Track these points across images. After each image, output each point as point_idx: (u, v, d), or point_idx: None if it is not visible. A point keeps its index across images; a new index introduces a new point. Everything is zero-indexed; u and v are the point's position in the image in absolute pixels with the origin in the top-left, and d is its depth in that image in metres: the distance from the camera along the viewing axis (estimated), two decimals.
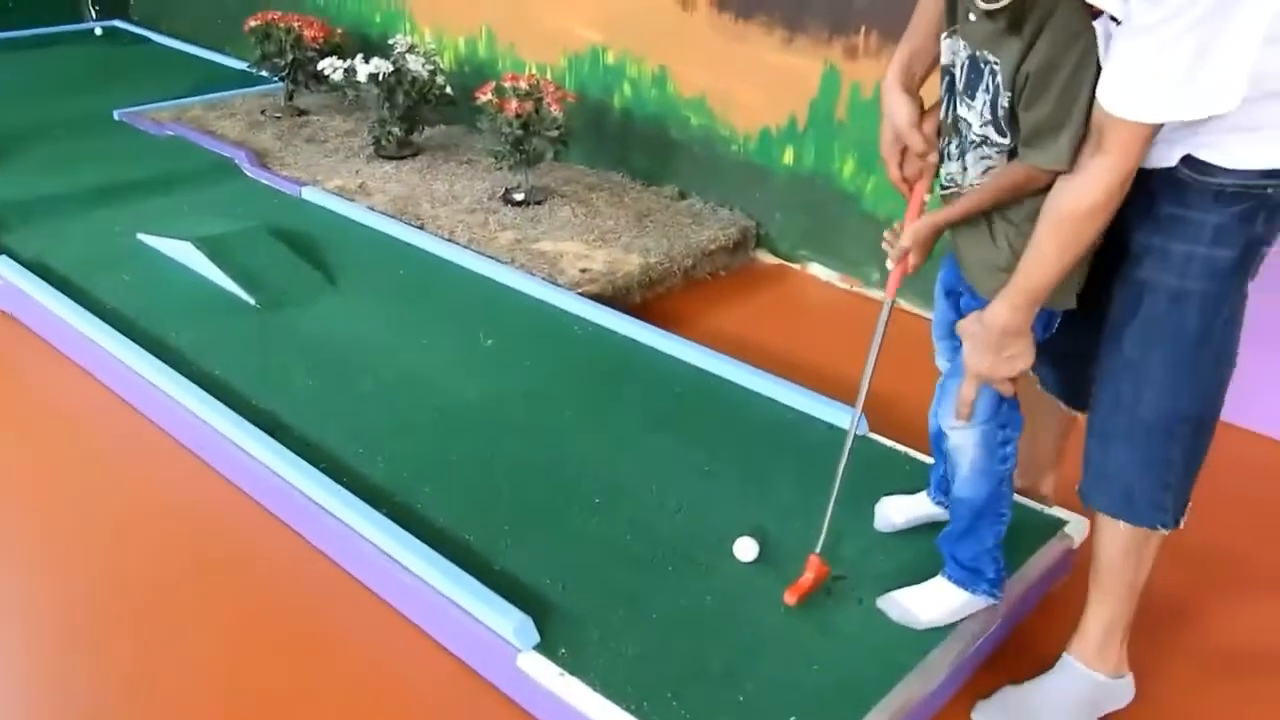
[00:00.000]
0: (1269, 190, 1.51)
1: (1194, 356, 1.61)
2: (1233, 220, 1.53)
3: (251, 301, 3.08)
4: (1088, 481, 1.77)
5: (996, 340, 1.62)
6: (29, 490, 2.50)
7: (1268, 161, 1.49)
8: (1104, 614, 1.84)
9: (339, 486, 2.22)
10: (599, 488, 2.32)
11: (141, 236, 3.43)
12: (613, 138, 4.15)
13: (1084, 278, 1.69)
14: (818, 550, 1.99)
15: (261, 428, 2.43)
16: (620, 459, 2.43)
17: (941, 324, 1.96)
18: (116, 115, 4.68)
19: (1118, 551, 1.78)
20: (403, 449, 2.45)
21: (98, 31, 6.26)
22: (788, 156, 3.62)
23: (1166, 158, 1.54)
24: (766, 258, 3.81)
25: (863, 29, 3.27)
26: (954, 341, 1.80)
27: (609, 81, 4.09)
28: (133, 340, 2.79)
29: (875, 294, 3.51)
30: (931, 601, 1.94)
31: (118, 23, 6.39)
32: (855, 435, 1.97)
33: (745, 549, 2.09)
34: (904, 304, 2.88)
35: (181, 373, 2.65)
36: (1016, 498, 2.20)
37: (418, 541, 2.05)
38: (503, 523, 2.21)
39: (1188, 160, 1.52)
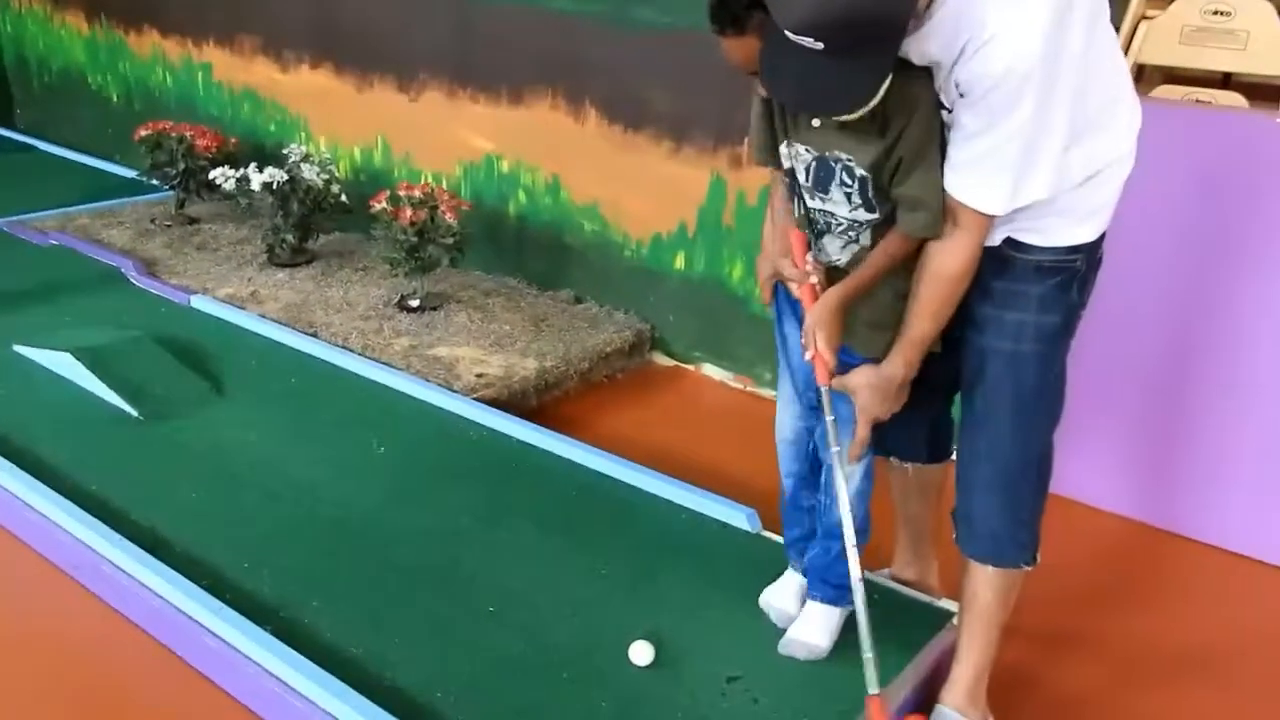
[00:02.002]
0: (1077, 263, 1.78)
1: (1033, 409, 1.87)
2: (1053, 290, 1.79)
3: (133, 413, 3.00)
4: (959, 532, 1.99)
5: (896, 389, 1.84)
6: None
7: (1074, 239, 1.76)
8: (974, 660, 2.02)
9: (221, 604, 2.15)
10: (492, 595, 2.29)
11: (17, 348, 3.32)
12: (509, 244, 4.20)
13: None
14: (878, 692, 1.87)
15: (141, 545, 2.35)
16: (514, 565, 2.41)
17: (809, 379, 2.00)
18: None
19: (991, 596, 1.97)
20: (291, 561, 2.38)
21: None
22: (679, 261, 3.72)
23: (993, 239, 1.77)
24: (662, 359, 3.87)
25: (745, 139, 3.41)
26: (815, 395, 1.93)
27: (504, 189, 4.16)
28: (5, 457, 2.68)
29: (767, 392, 3.59)
30: (822, 628, 2.10)
31: (2, 131, 6.27)
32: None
33: (641, 653, 2.07)
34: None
35: (55, 489, 2.55)
36: (906, 590, 2.29)
37: (303, 659, 1.99)
38: (393, 635, 2.15)
39: (1009, 241, 1.78)
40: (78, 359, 3.13)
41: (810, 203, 1.87)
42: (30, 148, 6.03)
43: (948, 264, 1.72)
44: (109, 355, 3.18)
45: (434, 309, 3.84)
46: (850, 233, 1.85)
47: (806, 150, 1.79)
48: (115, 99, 5.78)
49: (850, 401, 1.88)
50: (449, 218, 3.71)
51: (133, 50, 5.57)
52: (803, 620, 2.12)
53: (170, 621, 2.20)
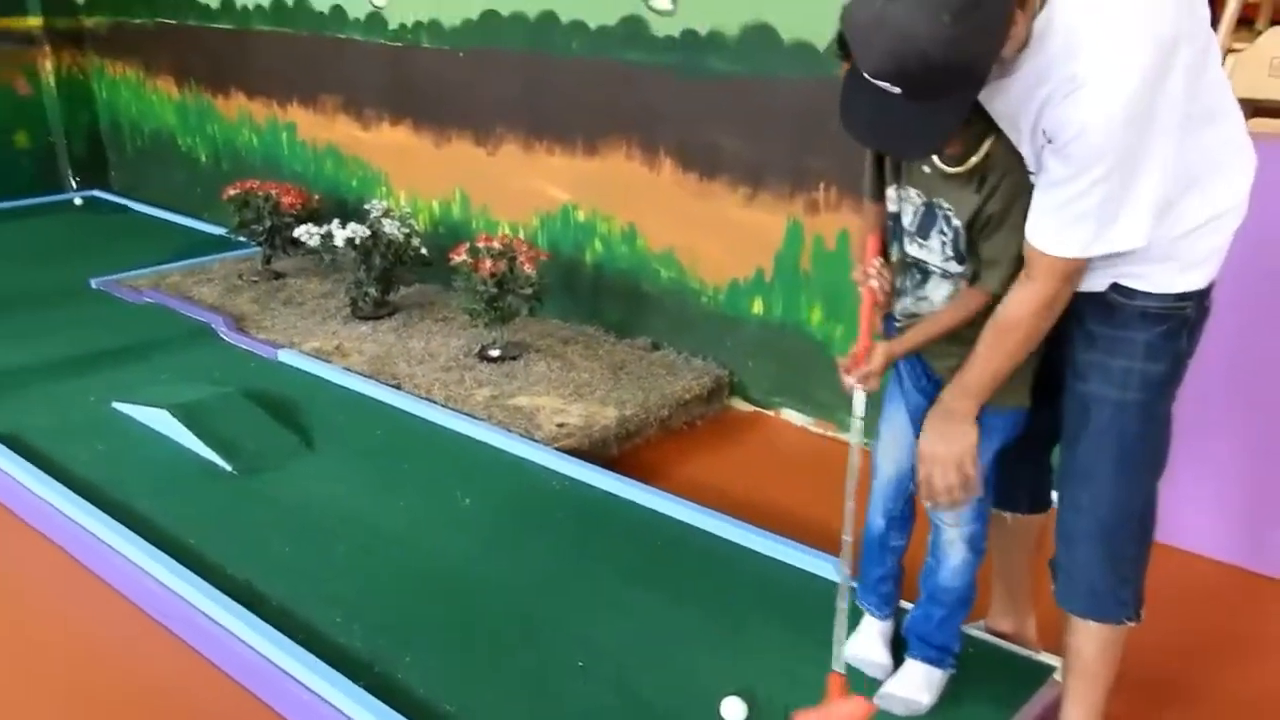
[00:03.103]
0: (1186, 310, 1.73)
1: (1137, 459, 1.81)
2: (1159, 338, 1.74)
3: (228, 468, 3.07)
4: (1058, 586, 1.94)
5: (953, 428, 1.83)
6: None
7: (1182, 286, 1.71)
8: (1084, 716, 1.96)
9: (316, 659, 2.17)
10: (581, 649, 2.29)
11: (116, 405, 3.43)
12: (585, 292, 4.24)
13: (1030, 383, 1.89)
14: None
15: (237, 599, 2.39)
16: (602, 618, 2.40)
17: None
18: (93, 284, 4.74)
19: (1094, 653, 1.92)
20: (382, 615, 2.41)
21: (77, 201, 6.40)
22: (757, 306, 3.71)
23: (1097, 284, 1.73)
24: (741, 405, 3.85)
25: (821, 185, 3.41)
26: None
27: (580, 239, 4.21)
28: (104, 511, 2.77)
29: (849, 438, 3.54)
30: (922, 685, 2.08)
31: (97, 192, 6.54)
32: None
33: (733, 709, 2.05)
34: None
35: (154, 543, 2.62)
36: (1004, 644, 2.24)
37: (398, 716, 2.00)
38: (485, 690, 2.16)
39: (1115, 286, 1.73)
40: (174, 415, 3.22)
41: (908, 247, 1.89)
42: (124, 208, 6.28)
43: (1011, 311, 1.71)
44: (203, 411, 3.27)
45: (513, 358, 3.88)
46: (948, 279, 1.85)
47: (917, 195, 1.82)
48: (204, 159, 6.00)
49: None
50: (527, 268, 3.76)
51: (220, 112, 5.78)
52: (902, 676, 2.10)
53: (266, 676, 2.23)
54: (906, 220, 1.86)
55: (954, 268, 1.83)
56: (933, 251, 1.84)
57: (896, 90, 1.49)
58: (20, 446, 3.15)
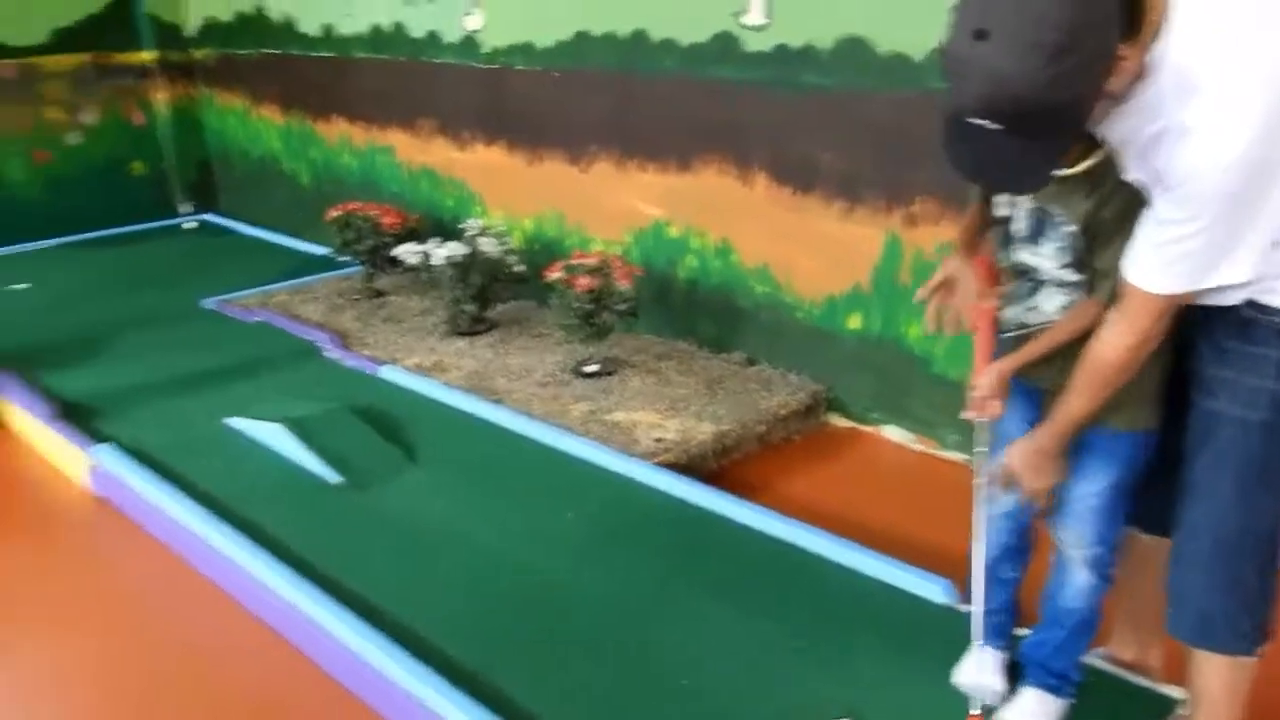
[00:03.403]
0: None
1: (1261, 482, 1.74)
2: None
3: (336, 480, 3.16)
4: (1169, 612, 1.87)
5: (1049, 462, 1.83)
6: (114, 672, 2.53)
7: None
8: None
9: (425, 668, 2.23)
10: (685, 667, 2.30)
11: (230, 421, 3.56)
12: (679, 307, 4.26)
13: (1159, 403, 1.84)
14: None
15: (350, 609, 2.46)
16: (705, 635, 2.41)
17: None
18: (205, 304, 4.93)
19: (1216, 686, 1.85)
20: (485, 628, 2.46)
21: (188, 225, 6.67)
22: (854, 321, 3.69)
23: (1232, 298, 1.67)
24: (839, 421, 3.82)
25: (919, 198, 3.37)
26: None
27: (673, 254, 4.23)
28: (223, 522, 2.88)
29: (951, 455, 3.50)
30: (1039, 714, 2.03)
31: (208, 217, 6.81)
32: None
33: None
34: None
35: (270, 553, 2.71)
36: (1127, 675, 2.17)
37: None
38: (593, 708, 2.18)
39: (1251, 302, 1.67)
40: (288, 430, 3.33)
41: (1020, 254, 1.85)
42: (231, 230, 6.52)
43: (1105, 353, 1.69)
44: (313, 426, 3.38)
45: (609, 374, 3.92)
46: (1061, 287, 1.81)
47: (1030, 201, 1.79)
48: (306, 182, 6.19)
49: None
50: (622, 284, 3.80)
51: (322, 137, 5.96)
52: (1019, 704, 2.05)
53: (375, 683, 2.29)
54: (1017, 226, 1.83)
55: (1069, 276, 1.79)
56: (1045, 258, 1.80)
57: (994, 126, 1.47)
58: (142, 460, 3.29)
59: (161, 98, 6.67)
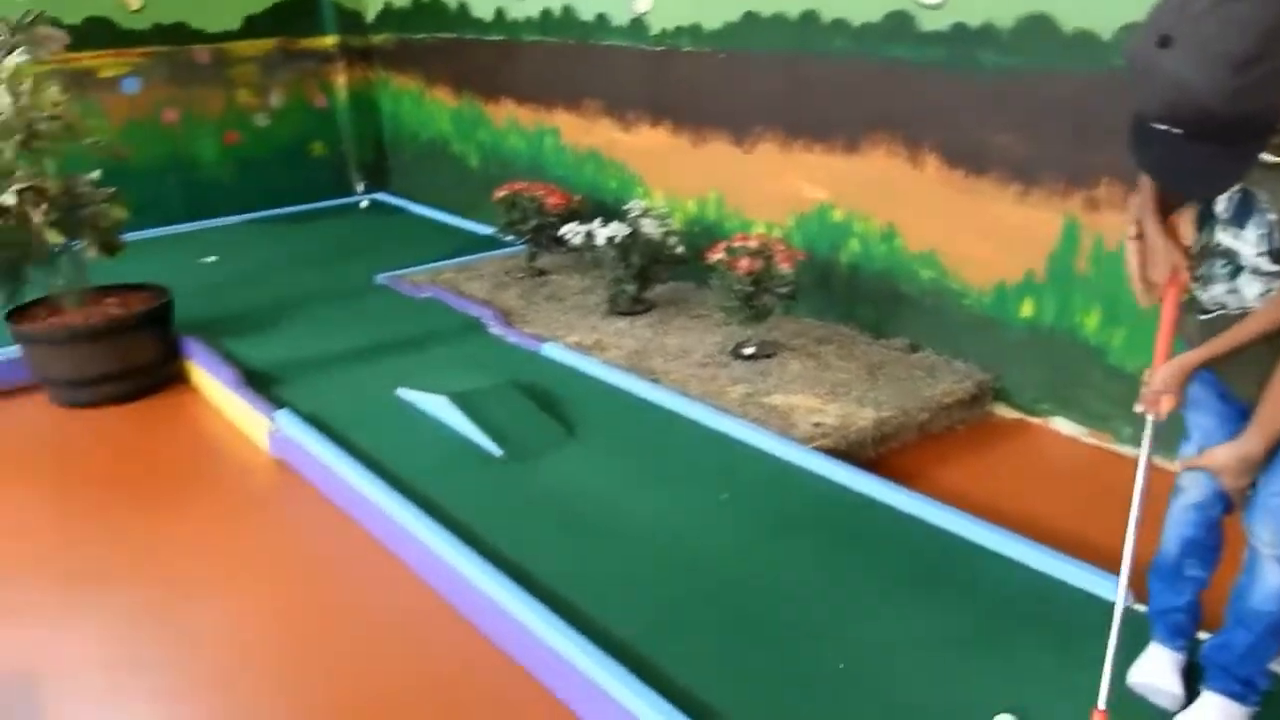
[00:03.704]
0: None
1: None
2: None
3: (499, 453, 3.25)
4: None
5: (1249, 467, 1.77)
6: (285, 626, 2.67)
7: None
8: None
9: (587, 641, 2.26)
10: (842, 652, 2.27)
11: (400, 391, 3.71)
12: (840, 292, 4.19)
13: None
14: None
15: (509, 577, 2.52)
16: (863, 622, 2.37)
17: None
18: (378, 279, 5.14)
19: None
20: (643, 604, 2.48)
21: (363, 204, 6.97)
22: (1026, 309, 3.54)
23: None
24: (1005, 411, 3.69)
25: (1103, 181, 3.21)
26: None
27: (836, 238, 4.16)
28: (392, 488, 2.99)
29: (1125, 450, 3.33)
30: (1214, 717, 1.93)
31: (380, 196, 7.09)
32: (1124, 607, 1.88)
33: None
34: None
35: (436, 521, 2.80)
36: None
37: (664, 701, 2.05)
38: (747, 687, 2.18)
39: None
40: (453, 403, 3.44)
41: (1220, 235, 1.75)
42: (402, 210, 6.78)
43: None
44: (477, 399, 3.48)
45: (767, 356, 3.89)
46: (1261, 275, 1.71)
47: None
48: (474, 164, 6.37)
49: None
50: (784, 267, 3.76)
51: (490, 119, 6.11)
52: (1198, 709, 1.95)
53: (536, 651, 2.35)
54: (1220, 206, 1.73)
55: (1266, 265, 1.68)
56: (1247, 243, 1.70)
57: (1178, 132, 1.44)
58: (318, 426, 3.45)
59: (341, 81, 6.98)
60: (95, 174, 4.05)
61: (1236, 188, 1.68)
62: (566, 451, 3.29)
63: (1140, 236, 1.83)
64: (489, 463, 3.24)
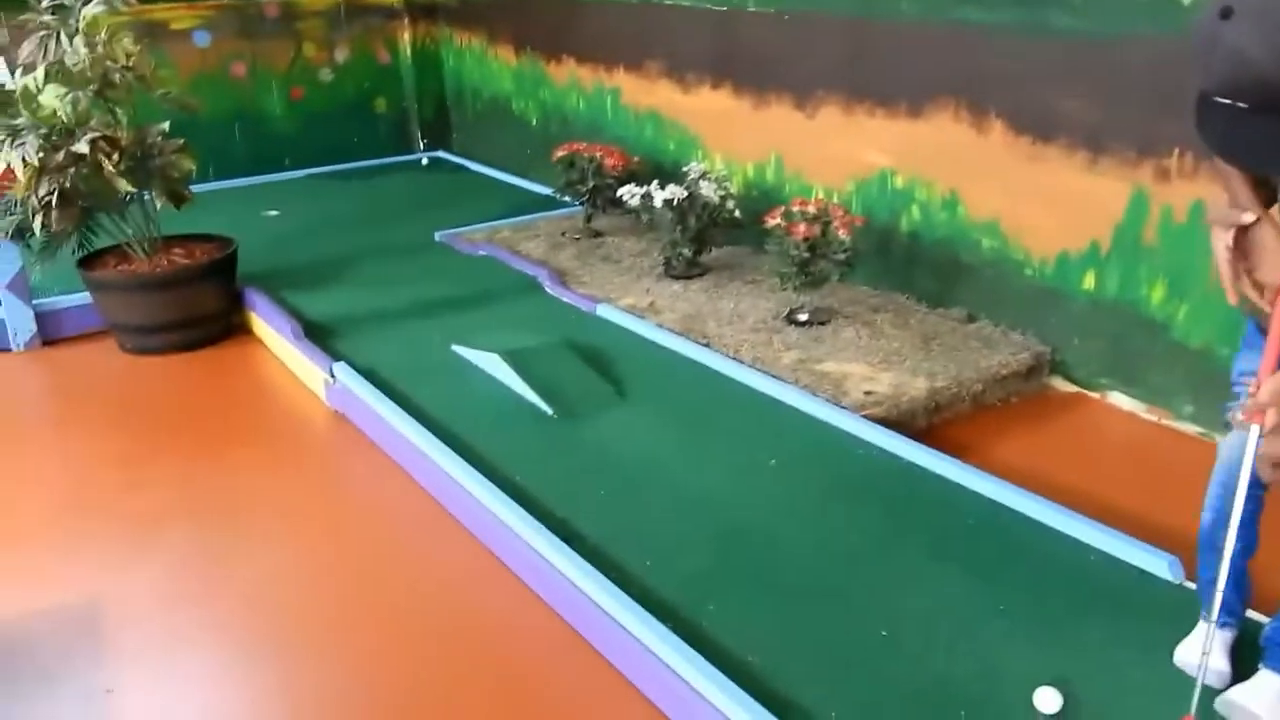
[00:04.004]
0: None
1: None
2: None
3: (549, 411, 3.28)
4: None
5: None
6: (336, 572, 2.73)
7: None
8: None
9: (629, 599, 2.29)
10: (885, 619, 2.26)
11: (455, 348, 3.75)
12: (898, 260, 4.14)
13: None
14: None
15: (556, 534, 2.56)
16: (907, 590, 2.37)
17: None
18: (437, 236, 5.18)
19: None
20: (687, 564, 2.49)
21: (424, 161, 7.01)
22: (1088, 281, 3.47)
23: None
24: (1062, 385, 3.63)
25: (1176, 151, 3.12)
26: None
27: (896, 205, 4.10)
28: (445, 443, 3.04)
29: (1185, 427, 3.26)
30: (1273, 701, 1.91)
31: (441, 154, 7.14)
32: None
33: (1047, 700, 1.96)
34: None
35: (487, 476, 2.84)
36: None
37: (705, 662, 2.07)
38: (787, 648, 2.19)
39: None
40: (505, 360, 3.47)
41: None
42: (463, 168, 6.82)
43: None
44: (530, 357, 3.51)
45: (822, 324, 3.86)
46: None
47: None
48: (534, 123, 6.37)
49: None
50: (842, 233, 3.72)
51: (551, 78, 6.10)
52: (1252, 685, 1.93)
53: (580, 608, 2.38)
54: None
55: None
56: None
57: (1243, 105, 1.41)
58: (376, 380, 3.51)
59: (406, 38, 7.01)
60: (165, 125, 4.12)
61: None
62: (617, 412, 3.31)
63: (1240, 237, 1.74)
64: (540, 420, 3.27)
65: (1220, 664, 2.02)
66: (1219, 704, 1.94)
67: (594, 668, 2.31)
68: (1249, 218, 1.72)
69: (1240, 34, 1.36)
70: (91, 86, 3.88)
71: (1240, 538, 1.94)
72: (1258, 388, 1.70)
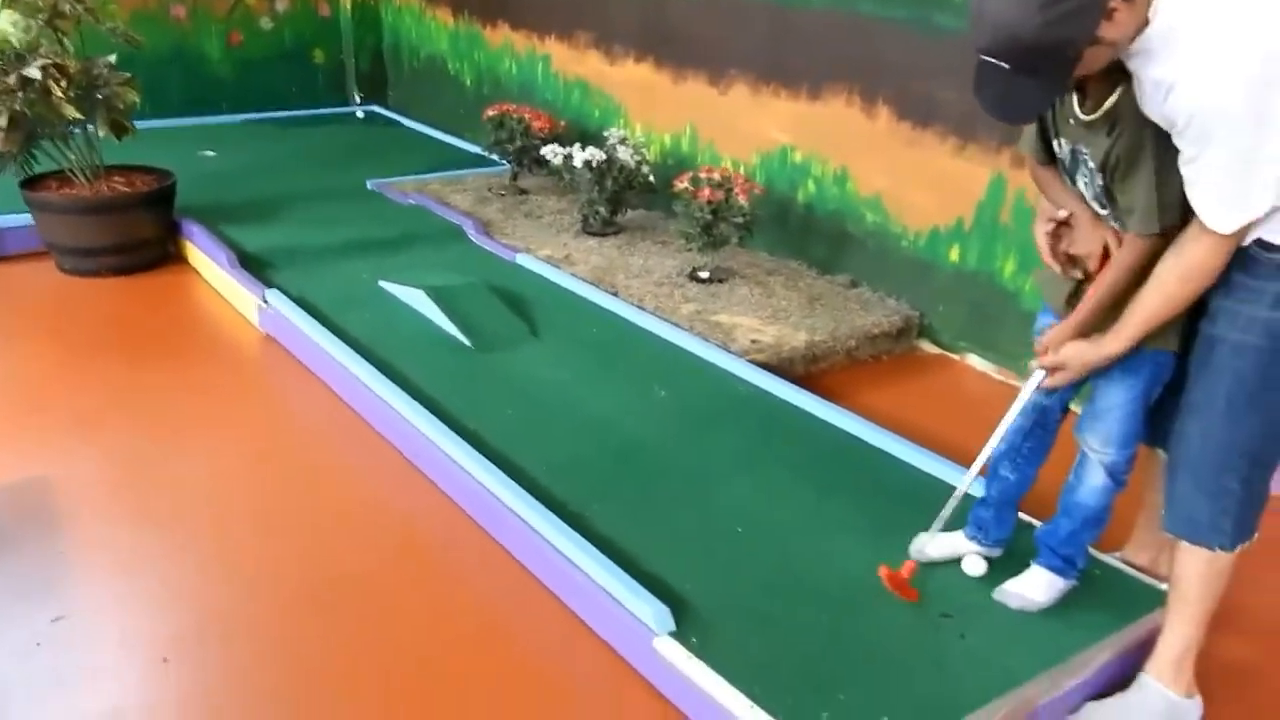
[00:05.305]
0: None
1: (1250, 402, 1.95)
2: None
3: (468, 343, 3.61)
4: (1164, 513, 2.13)
5: (1101, 362, 2.08)
6: (263, 484, 3.02)
7: None
8: (1178, 636, 2.14)
9: (524, 492, 2.65)
10: (745, 523, 2.66)
11: (382, 283, 4.05)
12: (794, 229, 4.54)
13: (1179, 330, 2.06)
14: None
15: (469, 443, 2.89)
16: (766, 503, 2.76)
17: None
18: (369, 185, 5.45)
19: (1192, 575, 2.10)
20: (578, 474, 2.85)
21: (359, 114, 7.23)
22: (954, 254, 3.91)
23: (1245, 239, 1.89)
24: (928, 347, 4.07)
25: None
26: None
27: (795, 178, 4.50)
28: (370, 364, 3.35)
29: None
30: (1041, 587, 2.34)
31: (376, 108, 7.36)
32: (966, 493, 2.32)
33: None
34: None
35: (406, 394, 3.17)
36: (1127, 569, 2.44)
37: (584, 540, 2.45)
38: (657, 539, 2.57)
39: (1259, 241, 1.88)
40: (429, 295, 3.79)
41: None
42: (397, 123, 7.06)
43: (1171, 264, 1.90)
44: (452, 295, 3.83)
45: (720, 281, 4.25)
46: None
47: (1065, 142, 2.04)
48: (468, 83, 6.64)
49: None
50: (742, 199, 4.10)
51: (487, 41, 6.38)
52: (1025, 577, 2.36)
53: (484, 502, 2.73)
54: (1064, 165, 2.09)
55: (1096, 209, 2.05)
56: (1082, 190, 2.06)
57: (1005, 65, 1.76)
58: (307, 308, 3.79)
59: None
60: (112, 58, 4.32)
61: (1068, 149, 2.02)
62: (529, 348, 3.65)
63: (1063, 221, 2.14)
64: (459, 351, 3.59)
65: (933, 553, 2.45)
66: (996, 594, 2.36)
67: (488, 549, 2.67)
68: (1063, 214, 2.14)
69: (1001, 1, 1.70)
70: (42, 15, 4.07)
71: (1015, 469, 2.37)
72: (1055, 343, 2.15)
